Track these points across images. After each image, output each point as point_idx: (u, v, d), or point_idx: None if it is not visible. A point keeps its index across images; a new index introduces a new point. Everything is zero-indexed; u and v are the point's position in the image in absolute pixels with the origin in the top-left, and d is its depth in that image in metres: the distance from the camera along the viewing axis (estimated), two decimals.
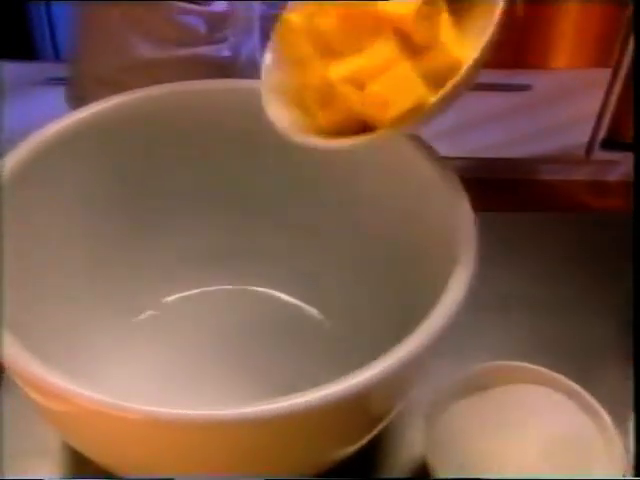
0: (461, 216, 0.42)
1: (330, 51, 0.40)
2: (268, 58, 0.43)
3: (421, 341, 0.36)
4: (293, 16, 0.41)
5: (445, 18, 0.40)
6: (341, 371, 0.36)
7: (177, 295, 0.56)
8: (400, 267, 0.49)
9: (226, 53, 0.64)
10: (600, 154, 1.37)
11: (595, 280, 0.59)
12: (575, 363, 0.49)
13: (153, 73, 0.50)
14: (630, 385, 0.45)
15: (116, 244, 0.52)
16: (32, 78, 1.24)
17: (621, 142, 1.29)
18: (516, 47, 1.20)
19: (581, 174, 1.30)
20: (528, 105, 1.30)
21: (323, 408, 0.35)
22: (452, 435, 0.45)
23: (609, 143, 1.31)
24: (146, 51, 0.61)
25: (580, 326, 0.56)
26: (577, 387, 0.47)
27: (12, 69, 1.24)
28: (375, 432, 0.43)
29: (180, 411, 0.34)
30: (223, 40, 0.64)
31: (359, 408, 0.38)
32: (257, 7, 0.64)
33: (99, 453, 0.42)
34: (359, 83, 0.39)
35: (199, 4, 0.61)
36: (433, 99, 0.38)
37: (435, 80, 0.39)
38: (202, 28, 0.62)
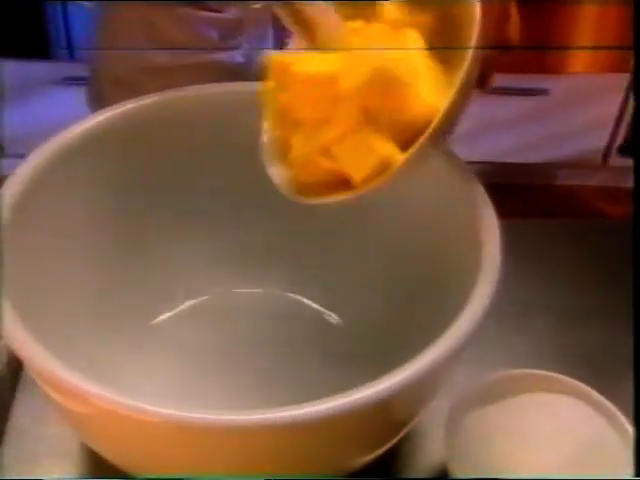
0: (485, 224, 0.42)
1: (294, 121, 0.41)
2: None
3: (446, 348, 0.36)
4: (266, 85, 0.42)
5: (419, 64, 0.40)
6: (359, 378, 0.36)
7: (195, 299, 0.56)
8: (422, 274, 0.48)
9: (239, 59, 0.64)
10: (617, 160, 1.36)
11: (615, 287, 0.59)
12: (597, 371, 0.49)
13: (168, 78, 0.50)
14: None
15: (134, 248, 0.51)
16: (47, 77, 1.25)
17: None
18: (534, 51, 1.20)
19: (597, 180, 1.29)
20: (545, 110, 1.30)
21: (347, 415, 0.34)
22: (473, 443, 0.45)
23: (626, 149, 1.31)
24: (163, 57, 0.62)
25: (601, 334, 0.56)
26: (599, 396, 0.47)
27: (27, 68, 1.24)
28: (397, 438, 0.42)
29: (201, 415, 0.33)
30: (237, 47, 0.64)
31: (383, 415, 0.38)
32: (270, 14, 0.64)
33: (117, 454, 0.42)
34: (324, 150, 0.40)
35: (213, 11, 0.61)
36: (401, 157, 0.39)
37: (408, 132, 0.39)
38: (216, 35, 0.62)
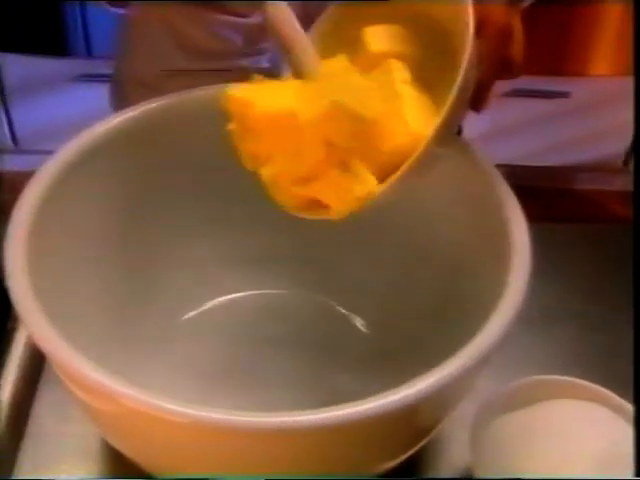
0: (515, 229, 0.41)
1: (265, 157, 0.41)
2: None
3: (473, 356, 0.36)
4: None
5: (403, 94, 0.39)
6: (384, 383, 0.36)
7: (220, 299, 0.56)
8: (450, 280, 0.48)
9: (265, 65, 0.64)
10: None
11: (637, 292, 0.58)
12: (620, 377, 0.48)
13: (192, 82, 0.50)
14: None
15: (159, 247, 0.51)
16: (64, 74, 1.25)
17: None
18: (555, 53, 1.19)
19: (618, 184, 1.28)
20: (566, 112, 1.29)
21: (374, 419, 0.34)
22: (498, 448, 0.45)
23: None
24: (185, 61, 0.61)
25: (624, 339, 0.55)
26: (624, 402, 0.46)
27: (44, 65, 1.25)
28: (421, 444, 0.42)
29: (230, 416, 0.33)
30: (262, 52, 0.63)
31: (408, 420, 0.38)
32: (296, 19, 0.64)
33: (141, 453, 0.41)
34: (299, 180, 0.40)
35: (238, 16, 0.61)
36: (378, 189, 0.38)
37: (393, 159, 0.38)
38: (240, 40, 0.62)
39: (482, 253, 0.44)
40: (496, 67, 0.42)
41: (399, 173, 0.38)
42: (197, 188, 0.52)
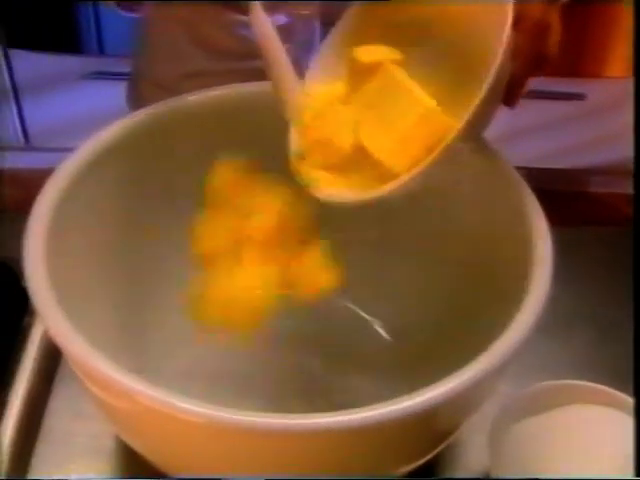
0: (537, 235, 0.41)
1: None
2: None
3: (493, 361, 0.36)
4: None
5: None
6: (402, 387, 0.35)
7: None
8: (470, 284, 0.47)
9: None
10: None
11: None
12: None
13: (211, 83, 0.49)
14: None
15: (176, 244, 0.50)
16: (76, 72, 1.25)
17: None
18: (570, 55, 1.18)
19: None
20: (581, 114, 1.28)
21: (392, 423, 0.34)
22: (517, 453, 0.44)
23: None
24: (204, 62, 0.61)
25: None
26: None
27: (56, 62, 1.25)
28: (439, 449, 0.42)
29: (247, 417, 0.33)
30: None
31: (427, 424, 0.38)
32: (317, 21, 0.63)
33: (155, 452, 0.41)
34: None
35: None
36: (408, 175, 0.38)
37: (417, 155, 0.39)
38: None
39: (504, 259, 0.44)
40: (531, 62, 0.41)
41: (430, 159, 0.38)
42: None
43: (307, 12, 0.61)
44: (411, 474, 0.42)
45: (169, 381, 0.44)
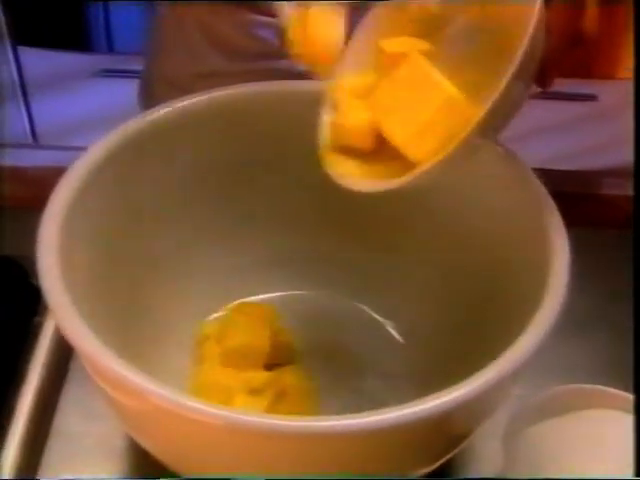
0: (554, 239, 0.41)
1: None
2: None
3: (508, 366, 0.35)
4: None
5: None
6: (415, 390, 0.35)
7: (250, 298, 0.55)
8: (485, 288, 0.47)
9: (301, 67, 0.63)
10: None
11: None
12: None
13: (225, 84, 0.49)
14: None
15: (187, 245, 0.51)
16: (85, 69, 1.25)
17: None
18: (582, 56, 1.18)
19: None
20: (593, 116, 1.27)
21: (406, 427, 0.33)
22: (531, 458, 0.44)
23: None
24: (220, 62, 0.60)
25: None
26: None
27: (65, 60, 1.24)
28: (452, 454, 0.42)
29: (262, 419, 0.33)
30: None
31: (441, 429, 0.37)
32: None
33: (167, 452, 0.41)
34: None
35: (275, 17, 0.60)
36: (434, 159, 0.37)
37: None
38: (277, 41, 0.60)
39: (521, 263, 0.43)
40: (566, 40, 0.40)
41: (455, 145, 0.37)
42: (225, 188, 0.51)
43: None
44: (425, 476, 0.41)
45: (178, 382, 0.44)
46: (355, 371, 0.51)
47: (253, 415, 0.33)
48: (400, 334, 0.54)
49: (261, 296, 0.55)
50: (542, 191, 0.43)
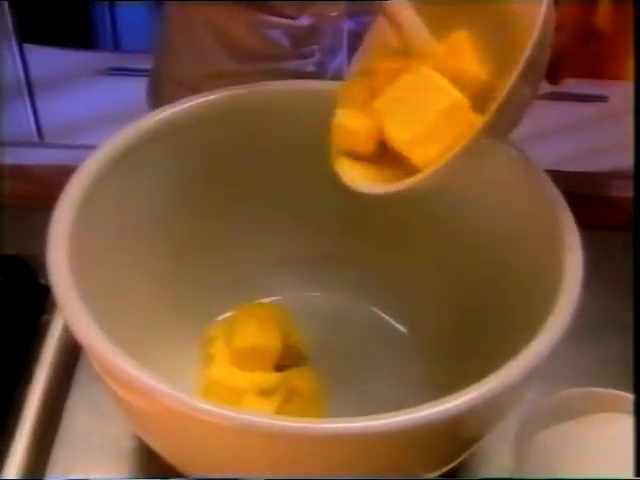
0: (567, 242, 0.41)
1: None
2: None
3: (522, 368, 0.35)
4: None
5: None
6: (426, 393, 0.35)
7: (260, 299, 0.55)
8: (496, 290, 0.47)
9: (311, 69, 0.62)
10: None
11: None
12: None
13: (235, 85, 0.49)
14: None
15: (199, 245, 0.51)
16: (91, 67, 1.25)
17: None
18: (592, 57, 1.17)
19: None
20: (603, 117, 1.26)
21: (417, 430, 0.33)
22: (543, 463, 0.43)
23: None
24: (229, 63, 0.60)
25: None
26: None
27: (71, 58, 1.24)
28: (463, 456, 0.41)
29: (271, 421, 0.33)
30: (309, 55, 0.62)
31: (452, 432, 0.37)
32: (345, 23, 0.62)
33: (175, 452, 0.41)
34: None
35: (286, 17, 0.59)
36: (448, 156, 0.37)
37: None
38: (287, 42, 0.60)
39: (533, 265, 0.43)
40: (578, 35, 0.39)
41: (460, 146, 0.37)
42: (236, 187, 0.51)
43: (334, 14, 0.60)
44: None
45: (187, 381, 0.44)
46: (365, 373, 0.51)
47: (262, 416, 0.33)
48: (411, 336, 0.53)
49: (271, 298, 0.55)
50: (556, 194, 0.43)
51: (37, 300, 0.52)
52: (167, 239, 0.49)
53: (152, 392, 0.33)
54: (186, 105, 0.47)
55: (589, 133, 1.31)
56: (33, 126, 1.29)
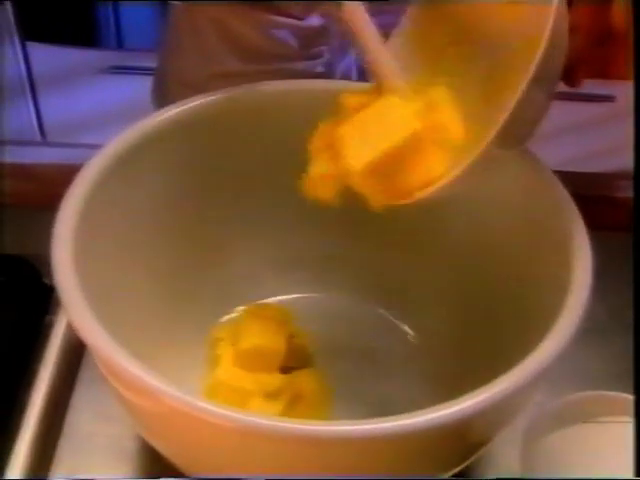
0: (575, 242, 0.40)
1: None
2: None
3: (528, 373, 0.34)
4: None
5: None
6: (432, 396, 0.35)
7: (264, 300, 0.54)
8: (504, 292, 0.46)
9: (319, 69, 0.62)
10: None
11: None
12: None
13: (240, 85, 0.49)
14: None
15: (203, 245, 0.50)
16: (94, 66, 1.24)
17: None
18: (599, 56, 1.17)
19: None
20: (610, 117, 1.26)
21: (423, 433, 0.33)
22: (550, 466, 0.43)
23: None
24: (235, 63, 0.60)
25: None
26: None
27: (74, 56, 1.24)
28: (469, 461, 0.41)
29: (278, 423, 0.33)
30: (318, 56, 0.62)
31: (457, 436, 0.37)
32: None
33: (179, 454, 0.40)
34: None
35: (293, 18, 0.59)
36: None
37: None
38: (295, 43, 0.60)
39: (541, 267, 0.43)
40: (593, 37, 0.38)
41: (477, 152, 0.35)
42: (240, 185, 0.51)
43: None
44: None
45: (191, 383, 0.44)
46: (371, 374, 0.50)
47: (267, 418, 0.33)
48: (416, 337, 0.53)
49: (277, 298, 0.54)
50: (564, 195, 0.43)
51: (41, 300, 0.52)
52: (171, 239, 0.49)
53: (156, 393, 0.33)
54: (191, 105, 0.47)
55: (596, 133, 1.30)
56: (35, 125, 1.29)
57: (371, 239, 0.52)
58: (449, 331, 0.50)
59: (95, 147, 0.44)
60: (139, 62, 1.16)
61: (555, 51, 0.35)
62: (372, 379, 0.50)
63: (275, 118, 0.49)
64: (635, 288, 0.45)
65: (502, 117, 0.34)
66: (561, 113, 1.24)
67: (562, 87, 0.41)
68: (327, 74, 0.62)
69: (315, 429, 0.33)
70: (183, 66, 0.63)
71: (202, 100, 0.47)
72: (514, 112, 0.34)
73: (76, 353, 0.50)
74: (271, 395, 0.46)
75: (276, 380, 0.47)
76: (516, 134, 0.37)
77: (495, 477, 0.46)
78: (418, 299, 0.53)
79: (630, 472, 0.43)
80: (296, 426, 0.32)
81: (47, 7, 1.19)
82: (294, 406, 0.47)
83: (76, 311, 0.36)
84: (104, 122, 0.92)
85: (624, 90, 1.28)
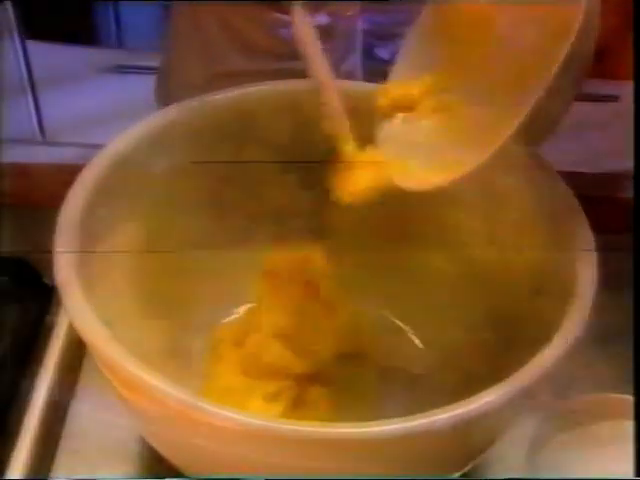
0: (580, 244, 0.40)
1: None
2: None
3: (531, 376, 0.34)
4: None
5: None
6: (436, 399, 0.35)
7: None
8: (508, 297, 0.46)
9: None
10: None
11: None
12: None
13: (244, 84, 0.49)
14: None
15: (204, 246, 0.50)
16: (94, 65, 1.24)
17: None
18: (603, 56, 1.17)
19: None
20: (614, 117, 1.26)
21: (425, 435, 0.33)
22: (557, 469, 0.43)
23: None
24: (239, 62, 0.59)
25: None
26: None
27: (74, 55, 1.24)
28: (472, 464, 0.41)
29: (283, 425, 0.33)
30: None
31: (461, 438, 0.36)
32: (360, 22, 0.61)
33: (182, 456, 0.40)
34: None
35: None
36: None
37: None
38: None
39: (546, 270, 0.43)
40: (625, 19, 0.38)
41: (499, 143, 0.36)
42: (244, 185, 0.50)
43: (349, 13, 0.59)
44: None
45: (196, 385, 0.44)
46: (375, 378, 0.50)
47: (267, 419, 0.33)
48: (421, 341, 0.53)
49: None
50: (569, 195, 0.42)
51: (41, 300, 0.52)
52: (174, 239, 0.48)
53: (157, 393, 0.33)
54: (194, 104, 0.47)
55: (600, 133, 1.30)
56: (36, 124, 1.29)
57: (377, 244, 0.52)
58: (454, 334, 0.50)
59: (96, 147, 0.43)
60: (140, 61, 1.16)
61: (586, 39, 0.34)
62: (376, 382, 0.50)
63: (279, 118, 0.48)
64: (635, 288, 0.45)
65: (526, 109, 0.34)
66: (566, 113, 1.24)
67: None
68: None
69: (313, 431, 0.33)
70: (187, 65, 0.63)
71: (205, 100, 0.47)
72: (539, 100, 0.34)
73: (77, 353, 0.50)
74: (272, 396, 0.46)
75: (277, 383, 0.47)
76: (538, 127, 0.37)
77: (502, 478, 0.46)
78: (423, 303, 0.52)
79: (630, 472, 0.43)
80: (296, 427, 0.32)
81: (47, 6, 1.19)
82: (297, 408, 0.47)
83: (77, 311, 0.36)
84: (105, 122, 0.92)
85: (628, 90, 1.28)
